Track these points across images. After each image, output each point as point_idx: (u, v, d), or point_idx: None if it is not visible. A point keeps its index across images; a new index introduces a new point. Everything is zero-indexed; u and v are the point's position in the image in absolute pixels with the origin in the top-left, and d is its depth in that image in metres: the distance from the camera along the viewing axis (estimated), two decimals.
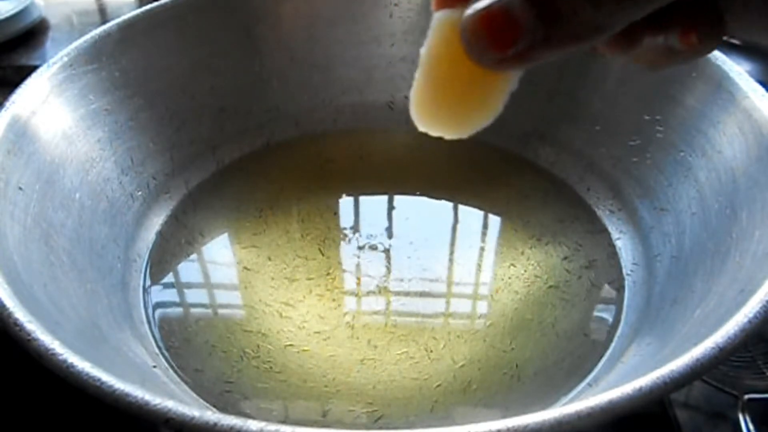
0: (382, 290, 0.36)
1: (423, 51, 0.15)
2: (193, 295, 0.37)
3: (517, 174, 0.44)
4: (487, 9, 0.13)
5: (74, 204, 0.34)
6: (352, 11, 0.45)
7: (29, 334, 0.23)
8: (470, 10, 0.13)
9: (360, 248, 0.39)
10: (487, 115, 0.16)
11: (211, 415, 0.19)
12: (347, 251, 0.39)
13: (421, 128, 0.17)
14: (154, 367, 0.32)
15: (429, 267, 0.38)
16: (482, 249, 0.39)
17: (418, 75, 0.15)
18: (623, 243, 0.38)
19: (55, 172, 0.33)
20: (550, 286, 0.36)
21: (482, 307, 0.36)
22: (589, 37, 0.13)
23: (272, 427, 0.19)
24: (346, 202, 0.42)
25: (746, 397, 0.35)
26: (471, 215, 0.41)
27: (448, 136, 0.17)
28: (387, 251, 0.39)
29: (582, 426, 0.19)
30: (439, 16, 0.14)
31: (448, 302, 0.36)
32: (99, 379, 0.21)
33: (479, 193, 0.42)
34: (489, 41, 0.13)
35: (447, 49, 0.14)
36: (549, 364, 0.33)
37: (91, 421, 0.37)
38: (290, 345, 0.34)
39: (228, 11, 0.43)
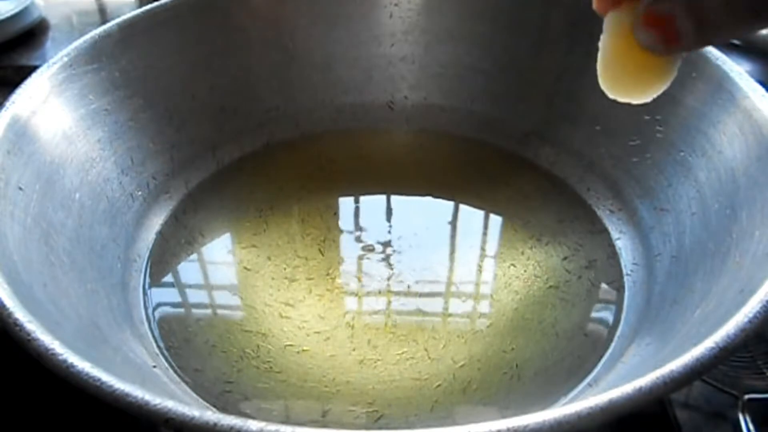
0: (382, 290, 0.36)
1: (601, 42, 0.20)
2: (193, 295, 0.37)
3: (517, 174, 0.44)
4: (656, 16, 0.18)
5: (74, 204, 0.34)
6: (352, 11, 0.45)
7: (29, 334, 0.23)
8: (643, 17, 0.18)
9: (360, 248, 0.39)
10: (663, 82, 0.20)
11: (211, 415, 0.19)
12: (347, 251, 0.39)
13: (612, 97, 0.21)
14: (154, 367, 0.32)
15: (429, 267, 0.38)
16: (482, 249, 0.39)
17: (601, 58, 0.20)
18: (623, 243, 0.38)
19: (55, 172, 0.33)
20: (550, 286, 0.36)
21: (482, 307, 0.36)
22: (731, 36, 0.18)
23: (272, 427, 0.19)
24: (346, 202, 0.42)
25: (746, 397, 0.35)
26: (471, 215, 0.41)
27: (635, 101, 0.21)
28: (387, 251, 0.39)
29: (582, 426, 0.19)
30: (610, 16, 0.19)
31: (448, 302, 0.36)
32: (99, 379, 0.21)
33: (479, 193, 0.42)
34: (658, 39, 0.18)
35: (621, 41, 0.19)
36: (549, 364, 0.33)
37: (91, 421, 0.37)
38: (290, 345, 0.34)
39: (228, 11, 0.43)
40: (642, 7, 0.19)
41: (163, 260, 0.38)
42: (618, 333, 0.34)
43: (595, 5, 0.21)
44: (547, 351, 0.33)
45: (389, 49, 0.46)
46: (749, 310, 0.22)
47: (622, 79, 0.20)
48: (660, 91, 0.21)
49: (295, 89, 0.46)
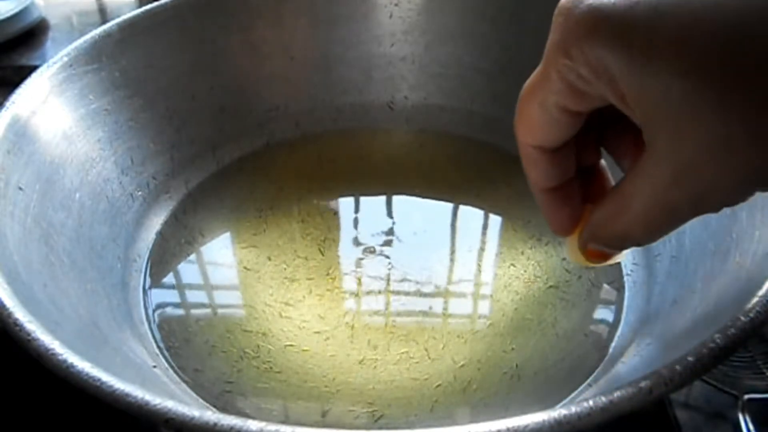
0: (381, 290, 0.36)
1: (566, 250, 0.26)
2: (193, 295, 0.37)
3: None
4: (591, 252, 0.23)
5: (74, 204, 0.34)
6: (352, 11, 0.45)
7: (29, 334, 0.23)
8: (583, 245, 0.24)
9: (360, 248, 0.39)
10: (623, 256, 0.25)
11: (211, 415, 0.19)
12: (347, 251, 0.39)
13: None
14: (154, 367, 0.32)
15: (429, 267, 0.38)
16: (482, 249, 0.39)
17: (568, 252, 0.26)
18: None
19: (55, 172, 0.33)
20: (550, 286, 0.36)
21: (482, 307, 0.36)
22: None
23: (272, 427, 0.19)
24: (346, 202, 0.42)
25: (746, 397, 0.35)
26: (471, 215, 0.41)
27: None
28: (387, 251, 0.39)
29: (582, 426, 0.19)
30: (569, 238, 0.25)
31: (448, 302, 0.36)
32: (99, 379, 0.21)
33: (479, 193, 0.42)
34: (601, 260, 0.24)
35: (577, 251, 0.24)
36: (549, 364, 0.33)
37: (91, 421, 0.37)
38: (290, 345, 0.34)
39: (228, 11, 0.43)
40: (580, 242, 0.24)
41: (163, 260, 0.38)
42: (618, 333, 0.34)
43: (554, 231, 0.25)
44: (547, 351, 0.33)
45: (389, 49, 0.46)
46: (749, 310, 0.22)
47: (586, 263, 0.25)
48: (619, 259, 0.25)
49: (295, 89, 0.46)
